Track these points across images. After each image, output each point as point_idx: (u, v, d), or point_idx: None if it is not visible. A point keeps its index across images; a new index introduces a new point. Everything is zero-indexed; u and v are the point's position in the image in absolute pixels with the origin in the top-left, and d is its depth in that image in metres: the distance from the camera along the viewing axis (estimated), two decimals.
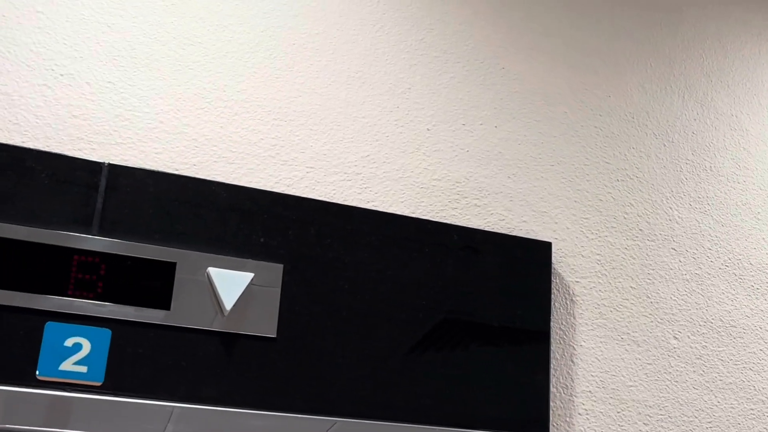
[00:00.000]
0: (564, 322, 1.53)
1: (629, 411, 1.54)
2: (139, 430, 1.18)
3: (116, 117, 1.31)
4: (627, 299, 1.60)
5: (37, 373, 1.15)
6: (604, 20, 1.74)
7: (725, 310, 1.68)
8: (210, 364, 1.23)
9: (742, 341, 1.68)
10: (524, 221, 1.55)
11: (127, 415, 1.17)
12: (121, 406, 1.17)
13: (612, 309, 1.58)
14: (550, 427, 1.47)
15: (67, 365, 1.16)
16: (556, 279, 1.54)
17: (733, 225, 1.74)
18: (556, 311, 1.53)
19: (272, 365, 1.26)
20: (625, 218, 1.64)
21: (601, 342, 1.55)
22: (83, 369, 1.17)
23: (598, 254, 1.60)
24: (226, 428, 1.22)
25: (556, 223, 1.58)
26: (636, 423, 1.54)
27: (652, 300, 1.62)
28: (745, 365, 1.66)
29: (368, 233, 1.37)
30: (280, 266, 1.30)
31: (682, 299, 1.65)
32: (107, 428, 1.17)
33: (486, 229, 1.50)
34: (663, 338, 1.61)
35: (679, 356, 1.61)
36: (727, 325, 1.67)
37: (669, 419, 1.57)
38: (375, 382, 1.31)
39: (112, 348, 1.19)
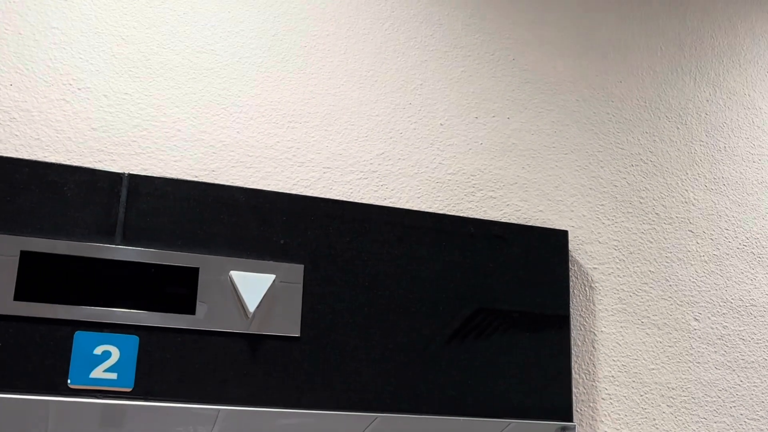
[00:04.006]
0: (584, 309, 1.54)
1: (652, 394, 1.55)
2: None
3: (134, 127, 1.33)
4: (646, 283, 1.61)
5: (69, 381, 1.17)
6: (612, 5, 1.74)
7: (745, 290, 1.69)
8: (237, 366, 1.25)
9: (763, 320, 1.68)
10: (540, 211, 1.56)
11: (157, 419, 1.20)
12: (151, 410, 1.20)
13: (631, 294, 1.59)
14: (574, 413, 1.48)
15: (97, 373, 1.19)
16: (574, 266, 1.56)
17: (750, 204, 1.74)
18: (576, 298, 1.54)
19: (298, 364, 1.28)
20: (640, 203, 1.65)
21: (621, 327, 1.56)
22: (113, 376, 1.19)
23: (615, 240, 1.61)
24: (254, 428, 1.24)
25: (572, 211, 1.59)
26: (660, 405, 1.55)
27: (671, 283, 1.63)
28: (766, 343, 1.67)
29: (386, 230, 1.39)
30: (301, 266, 1.32)
31: (701, 281, 1.65)
32: None
33: (502, 220, 1.52)
34: (683, 320, 1.62)
35: (700, 338, 1.62)
36: (748, 305, 1.68)
37: (692, 400, 1.58)
38: (400, 376, 1.33)
39: (140, 354, 1.21)
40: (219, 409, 1.22)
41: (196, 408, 1.22)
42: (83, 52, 1.33)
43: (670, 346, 1.59)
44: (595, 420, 1.50)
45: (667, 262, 1.64)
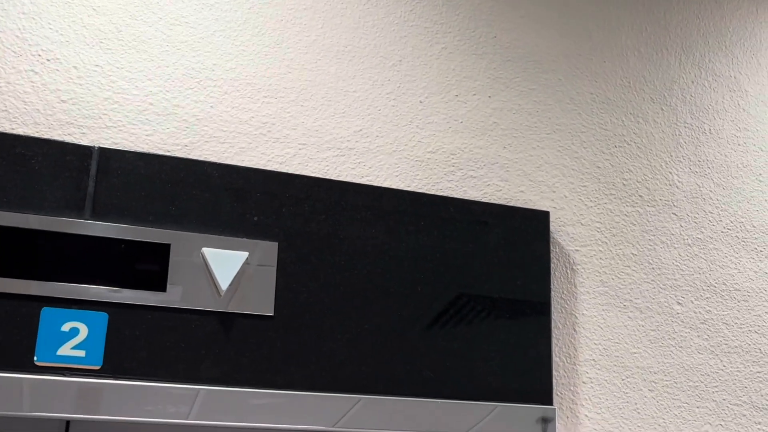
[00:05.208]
0: (565, 291, 1.52)
1: (634, 378, 1.53)
2: (139, 411, 1.18)
3: (105, 100, 1.30)
4: (628, 266, 1.59)
5: (35, 358, 1.15)
6: None
7: (728, 274, 1.67)
8: (208, 345, 1.23)
9: (746, 304, 1.66)
10: (521, 191, 1.54)
11: (126, 398, 1.18)
12: (120, 388, 1.17)
13: (613, 276, 1.57)
14: (554, 396, 1.46)
15: (65, 350, 1.16)
16: (555, 248, 1.53)
17: (735, 188, 1.73)
18: (557, 280, 1.52)
19: (271, 343, 1.26)
20: (624, 184, 1.63)
21: (603, 310, 1.54)
22: (81, 353, 1.17)
23: (597, 222, 1.59)
24: (226, 407, 1.22)
25: (554, 191, 1.56)
26: (641, 390, 1.53)
27: (654, 266, 1.61)
28: (750, 328, 1.65)
29: (363, 208, 1.36)
30: (275, 244, 1.30)
31: (685, 264, 1.64)
32: (107, 411, 1.17)
33: (483, 200, 1.50)
34: (666, 304, 1.60)
35: (683, 321, 1.60)
36: (731, 289, 1.66)
37: (674, 385, 1.56)
38: (375, 358, 1.31)
39: (109, 331, 1.19)
40: (198, 389, 1.20)
41: (170, 387, 1.19)
42: (53, 22, 1.30)
43: (652, 330, 1.57)
44: (576, 404, 1.48)
45: (650, 245, 1.62)
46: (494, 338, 1.39)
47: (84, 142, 1.27)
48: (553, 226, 1.54)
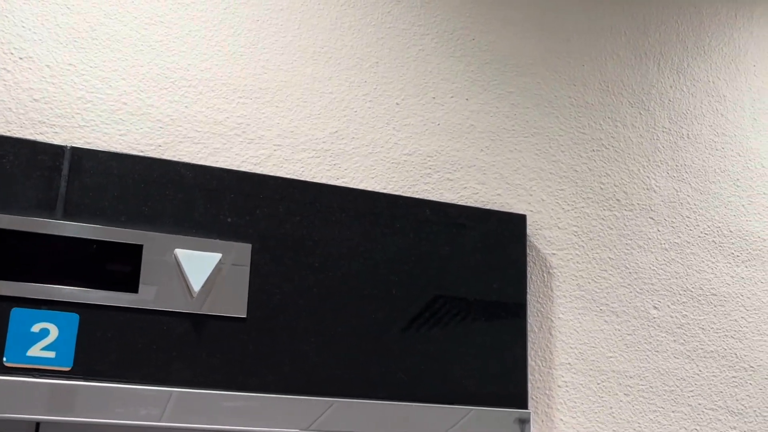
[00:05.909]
0: (541, 295, 1.52)
1: (609, 382, 1.53)
2: (110, 413, 1.17)
3: (78, 99, 1.29)
4: (605, 270, 1.59)
5: (5, 359, 1.14)
6: None
7: (705, 279, 1.67)
8: (180, 346, 1.22)
9: (723, 309, 1.67)
10: (498, 194, 1.53)
11: (97, 399, 1.17)
12: (91, 390, 1.17)
13: (590, 280, 1.57)
14: (529, 400, 1.46)
15: (35, 351, 1.15)
16: (531, 251, 1.53)
17: (712, 193, 1.73)
18: (533, 284, 1.52)
19: (243, 345, 1.25)
20: (601, 188, 1.63)
21: (579, 314, 1.54)
22: (51, 354, 1.16)
23: (574, 225, 1.58)
24: (198, 410, 1.21)
25: (531, 195, 1.56)
26: (617, 394, 1.53)
27: (631, 270, 1.61)
28: (726, 333, 1.66)
29: (338, 210, 1.36)
30: (249, 246, 1.29)
31: (662, 269, 1.64)
32: (78, 413, 1.16)
33: (459, 203, 1.49)
34: (642, 308, 1.60)
35: (659, 326, 1.60)
36: (708, 294, 1.66)
37: (650, 389, 1.56)
38: (348, 361, 1.31)
39: (80, 333, 1.18)
40: (170, 391, 1.19)
41: (142, 389, 1.19)
42: (26, 20, 1.29)
43: (628, 334, 1.57)
44: (551, 408, 1.48)
45: (627, 249, 1.62)
46: (469, 341, 1.39)
47: (56, 141, 1.26)
48: (530, 229, 1.54)
